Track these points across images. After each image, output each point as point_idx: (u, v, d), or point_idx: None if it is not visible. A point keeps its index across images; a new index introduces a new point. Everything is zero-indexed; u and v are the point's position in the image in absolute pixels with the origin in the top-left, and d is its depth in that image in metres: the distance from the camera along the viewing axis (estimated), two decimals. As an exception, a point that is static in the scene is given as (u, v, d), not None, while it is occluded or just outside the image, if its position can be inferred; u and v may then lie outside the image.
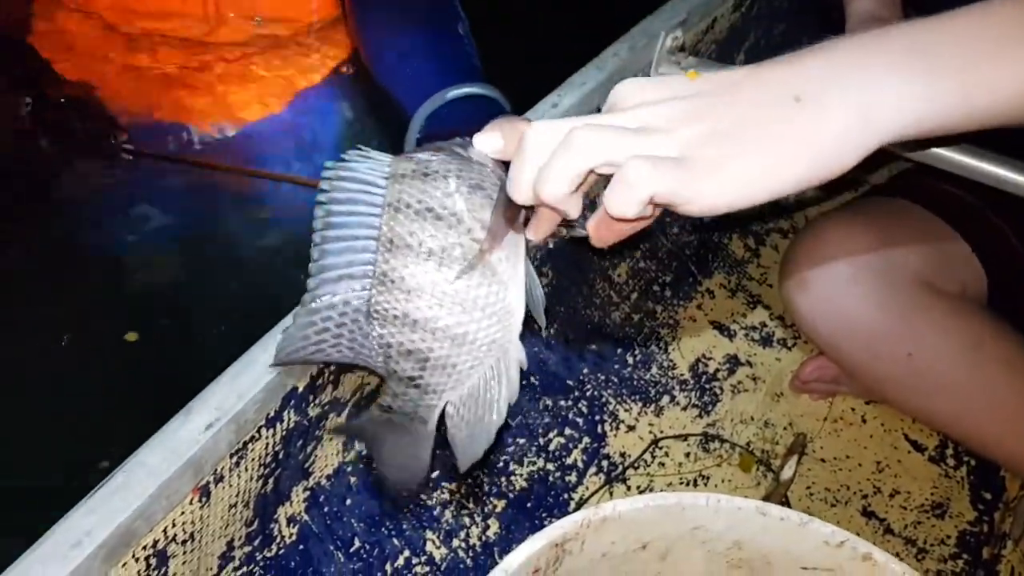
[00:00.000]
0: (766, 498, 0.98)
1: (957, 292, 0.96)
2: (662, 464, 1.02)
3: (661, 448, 1.04)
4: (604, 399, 1.06)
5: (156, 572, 0.58)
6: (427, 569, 0.88)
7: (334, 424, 0.61)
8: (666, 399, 1.09)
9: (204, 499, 0.60)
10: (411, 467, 0.59)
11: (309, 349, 0.54)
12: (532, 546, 0.57)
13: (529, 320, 0.56)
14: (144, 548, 0.56)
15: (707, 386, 1.11)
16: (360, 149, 0.53)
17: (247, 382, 0.61)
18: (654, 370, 1.11)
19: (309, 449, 0.75)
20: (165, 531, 0.57)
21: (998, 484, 1.07)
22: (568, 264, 1.10)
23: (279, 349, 0.55)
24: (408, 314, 0.52)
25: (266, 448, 0.65)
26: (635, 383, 1.09)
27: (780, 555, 0.62)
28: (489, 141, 0.51)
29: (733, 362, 1.15)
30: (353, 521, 0.84)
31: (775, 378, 1.14)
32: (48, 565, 0.50)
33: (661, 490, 1.00)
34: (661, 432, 1.05)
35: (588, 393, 1.06)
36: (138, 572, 0.56)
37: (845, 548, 0.60)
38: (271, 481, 0.70)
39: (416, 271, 0.52)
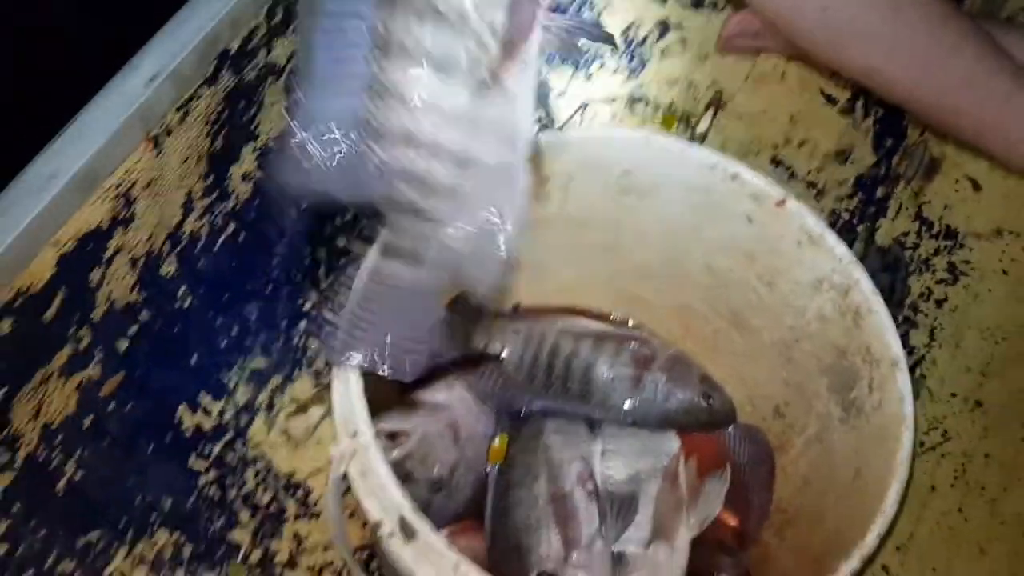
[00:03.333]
0: (683, 150, 1.08)
1: None
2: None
3: (589, 110, 1.11)
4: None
5: (125, 211, 0.68)
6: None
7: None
8: (596, 65, 1.15)
9: (156, 149, 0.68)
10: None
11: (300, 175, 0.47)
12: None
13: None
14: (109, 189, 0.65)
15: (636, 51, 1.17)
16: None
17: (183, 38, 0.67)
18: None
19: (253, 112, 0.82)
20: (127, 173, 0.66)
21: (900, 131, 1.16)
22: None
23: (278, 171, 0.48)
24: (409, 132, 0.46)
25: (209, 106, 0.73)
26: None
27: (665, 179, 0.72)
28: None
29: (663, 27, 1.19)
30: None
31: (703, 41, 1.19)
32: (27, 198, 0.59)
33: (588, 147, 1.09)
34: (589, 96, 1.12)
35: (521, 60, 1.12)
36: (108, 210, 0.66)
37: (718, 170, 0.70)
38: (219, 139, 0.78)
39: (416, 82, 0.45)
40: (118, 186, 0.65)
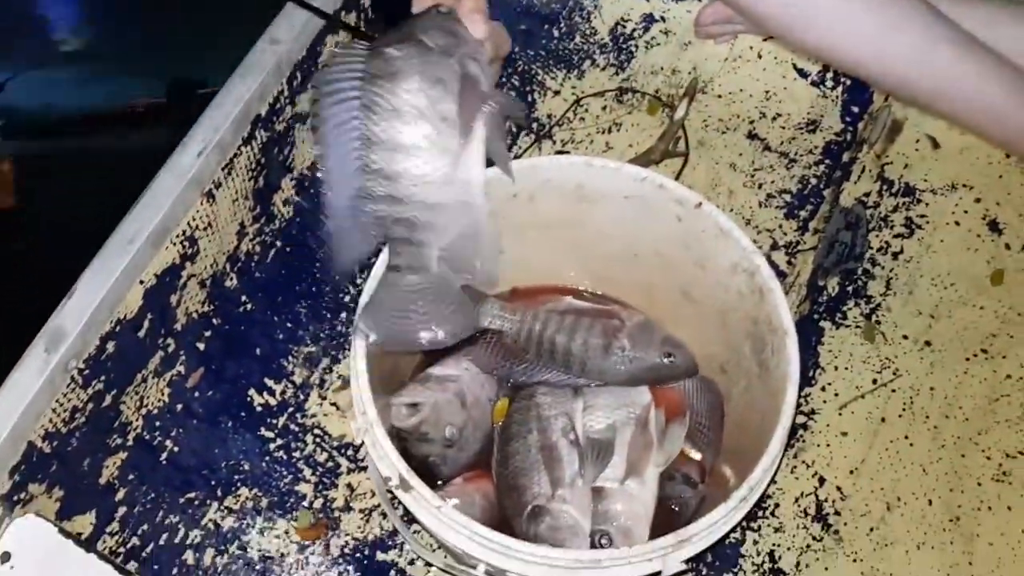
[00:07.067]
0: (663, 134, 1.23)
1: None
2: (583, 119, 1.26)
3: (582, 106, 1.27)
4: (533, 71, 1.28)
5: (190, 249, 0.88)
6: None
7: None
8: (587, 63, 1.30)
9: (210, 200, 0.88)
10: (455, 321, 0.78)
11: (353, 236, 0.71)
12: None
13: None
14: (177, 236, 0.85)
15: (624, 46, 1.31)
16: (339, 49, 0.69)
17: (222, 115, 0.86)
18: (577, 39, 1.31)
19: (287, 152, 1.01)
20: (189, 223, 0.86)
21: (866, 98, 1.28)
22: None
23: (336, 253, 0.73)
24: (392, 193, 0.68)
25: (249, 159, 0.92)
26: (560, 53, 1.30)
27: (608, 189, 0.88)
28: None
29: (648, 20, 1.33)
30: (336, 195, 1.12)
31: (684, 29, 1.32)
32: (116, 256, 0.79)
33: (581, 141, 1.25)
34: (582, 92, 1.28)
35: (519, 69, 1.28)
36: (177, 251, 0.86)
37: (647, 182, 0.86)
38: (261, 179, 0.98)
39: (391, 161, 0.67)
40: (183, 233, 0.85)
